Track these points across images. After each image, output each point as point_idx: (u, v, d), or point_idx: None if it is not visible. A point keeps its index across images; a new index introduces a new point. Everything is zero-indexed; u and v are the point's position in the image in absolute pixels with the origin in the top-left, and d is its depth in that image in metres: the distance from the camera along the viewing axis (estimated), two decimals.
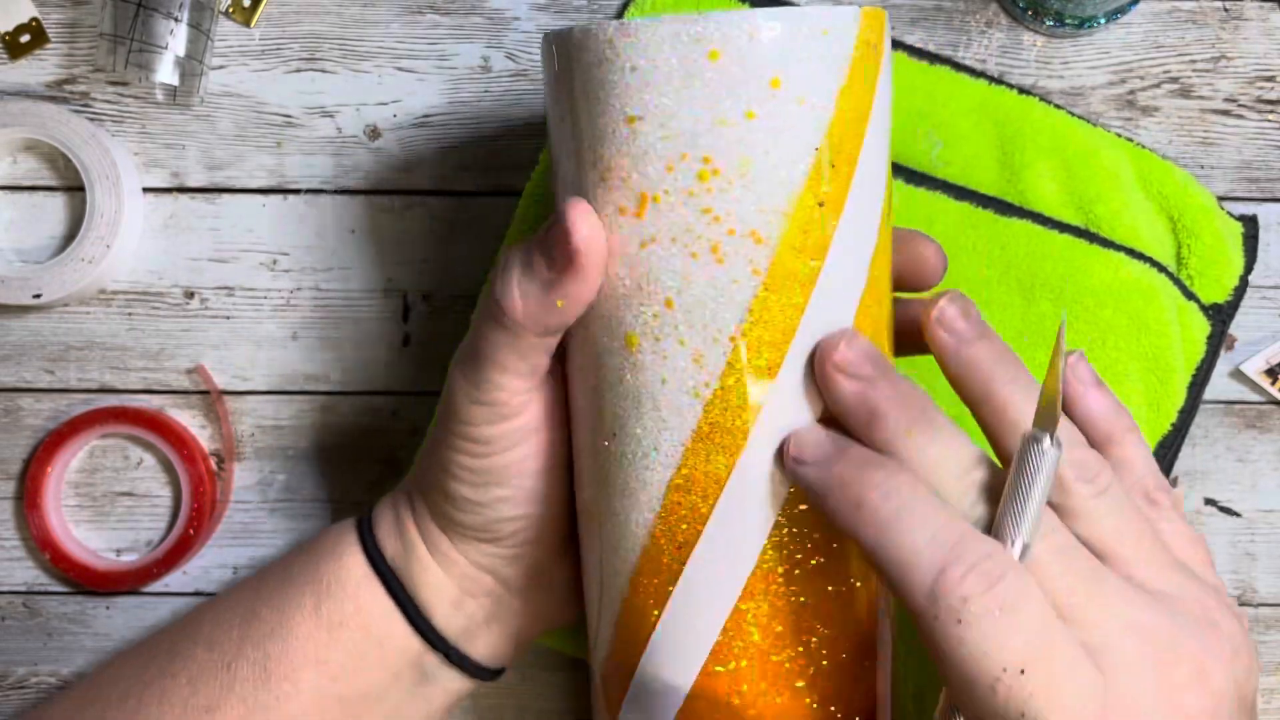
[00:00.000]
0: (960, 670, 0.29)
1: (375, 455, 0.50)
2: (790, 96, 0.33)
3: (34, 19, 0.49)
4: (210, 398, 0.50)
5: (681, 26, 0.32)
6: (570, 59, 0.34)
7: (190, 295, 0.49)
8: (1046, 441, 0.31)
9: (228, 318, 0.50)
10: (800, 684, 0.35)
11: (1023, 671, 0.29)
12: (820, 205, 0.33)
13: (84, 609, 0.51)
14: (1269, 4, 0.48)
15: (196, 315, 0.50)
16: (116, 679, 0.43)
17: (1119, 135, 0.47)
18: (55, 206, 0.49)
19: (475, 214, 0.49)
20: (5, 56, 0.49)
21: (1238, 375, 0.49)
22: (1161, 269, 0.46)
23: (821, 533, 0.34)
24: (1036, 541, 0.31)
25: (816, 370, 0.33)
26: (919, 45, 0.48)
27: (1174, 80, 0.48)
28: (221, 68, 0.49)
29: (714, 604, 0.35)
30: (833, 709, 0.35)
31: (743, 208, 0.33)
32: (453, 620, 0.41)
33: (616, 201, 0.34)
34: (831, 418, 0.34)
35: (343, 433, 0.50)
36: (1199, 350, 0.47)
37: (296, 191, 0.49)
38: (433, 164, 0.49)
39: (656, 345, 0.34)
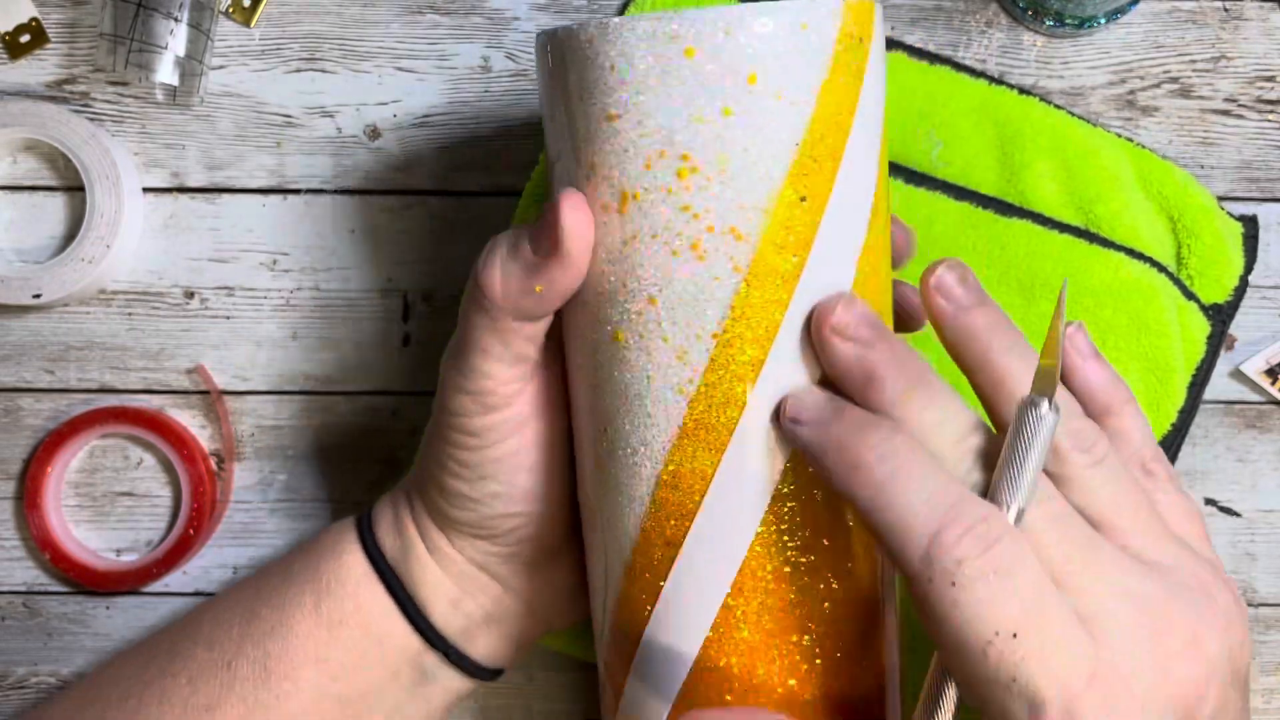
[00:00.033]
0: (953, 633, 0.29)
1: (375, 455, 0.50)
2: (768, 93, 0.32)
3: (34, 19, 0.49)
4: (210, 398, 0.50)
5: (657, 25, 0.32)
6: (557, 58, 0.34)
7: (190, 295, 0.49)
8: (1044, 406, 0.31)
9: (228, 318, 0.50)
10: (792, 681, 0.35)
11: (1015, 636, 0.29)
12: (802, 200, 0.33)
13: (84, 609, 0.51)
14: (1269, 4, 0.48)
15: (196, 315, 0.50)
16: (117, 679, 0.43)
17: (1119, 135, 0.47)
18: (55, 206, 0.49)
19: (475, 214, 0.49)
20: (5, 56, 0.49)
21: (1238, 375, 0.49)
22: (1161, 269, 0.46)
23: (811, 528, 0.34)
24: (1032, 508, 0.31)
25: (813, 333, 0.33)
26: (919, 45, 0.48)
27: (1174, 80, 0.48)
28: (221, 68, 0.49)
29: (702, 601, 0.35)
30: (830, 700, 0.35)
31: (722, 204, 0.33)
32: (451, 619, 0.41)
33: (601, 198, 0.34)
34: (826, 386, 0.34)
35: (343, 433, 0.50)
36: (1199, 350, 0.47)
37: (296, 191, 0.49)
38: (433, 164, 0.49)
39: (641, 342, 0.34)
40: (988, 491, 0.31)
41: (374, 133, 0.49)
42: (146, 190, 0.49)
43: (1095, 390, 0.36)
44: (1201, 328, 0.47)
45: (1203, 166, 0.48)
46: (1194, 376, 0.47)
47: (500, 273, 0.35)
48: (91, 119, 0.49)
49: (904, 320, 0.39)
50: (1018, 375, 0.33)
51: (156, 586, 0.50)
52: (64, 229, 0.49)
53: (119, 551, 0.51)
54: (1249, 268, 0.47)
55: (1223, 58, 0.48)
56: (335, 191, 0.49)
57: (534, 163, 0.48)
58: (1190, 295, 0.46)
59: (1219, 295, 0.47)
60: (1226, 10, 0.48)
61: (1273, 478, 0.50)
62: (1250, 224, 0.47)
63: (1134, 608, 0.30)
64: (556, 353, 0.38)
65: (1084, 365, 0.36)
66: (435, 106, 0.49)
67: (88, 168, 0.47)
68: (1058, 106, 0.47)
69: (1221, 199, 0.48)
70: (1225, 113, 0.48)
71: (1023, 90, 0.47)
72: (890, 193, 0.37)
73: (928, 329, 0.36)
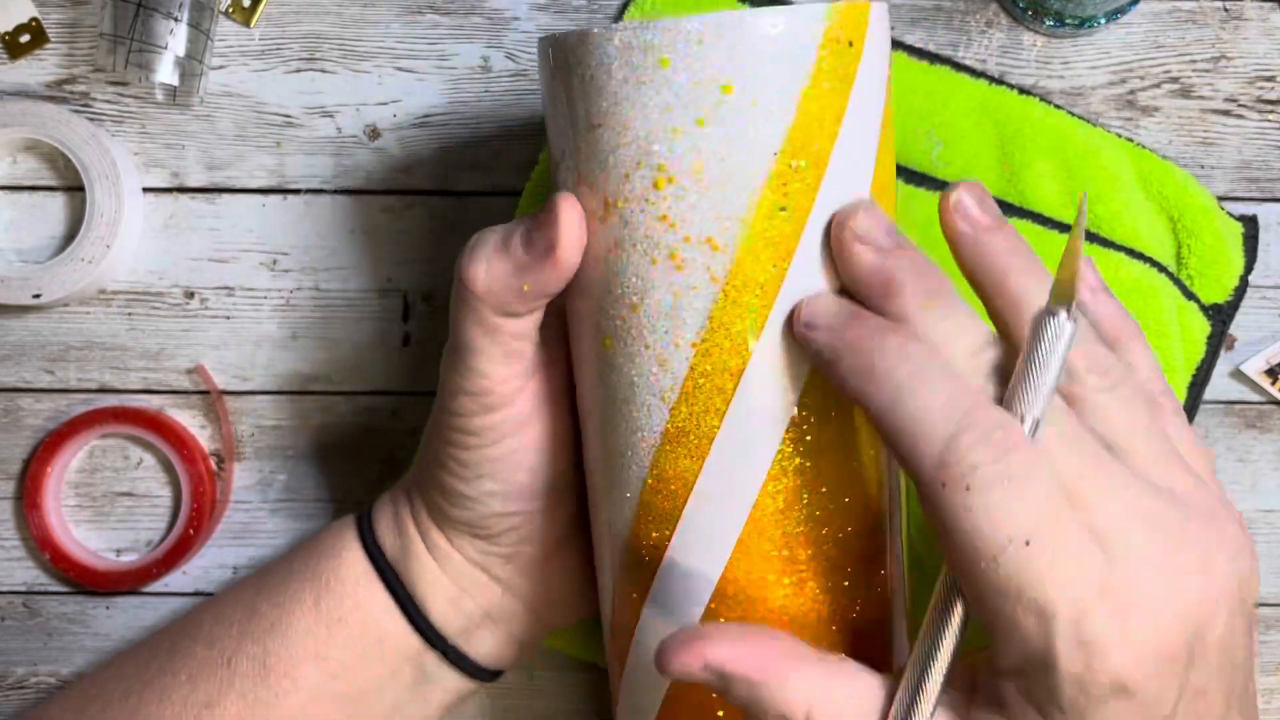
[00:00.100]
0: (964, 540, 0.29)
1: (375, 455, 0.50)
2: (744, 102, 0.32)
3: (34, 19, 0.49)
4: (210, 398, 0.50)
5: (633, 35, 0.32)
6: (551, 65, 0.35)
7: (190, 295, 0.49)
8: (1063, 315, 0.30)
9: (228, 318, 0.50)
10: (800, 608, 0.35)
11: (1027, 543, 0.28)
12: (782, 210, 0.33)
13: (84, 609, 0.51)
14: (1269, 4, 0.48)
15: (196, 315, 0.50)
16: (118, 677, 0.43)
17: (1119, 135, 0.47)
18: (55, 206, 0.49)
19: (475, 214, 0.49)
20: (5, 56, 0.49)
21: (1238, 375, 0.49)
22: (1161, 269, 0.46)
23: (786, 537, 0.34)
24: (1046, 425, 0.30)
25: (834, 237, 0.33)
26: (919, 45, 0.48)
27: (1174, 80, 0.48)
28: (221, 68, 0.49)
29: (687, 601, 0.35)
30: (839, 624, 0.35)
31: (699, 215, 0.33)
32: (450, 618, 0.41)
33: (588, 205, 0.34)
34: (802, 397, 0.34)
35: (343, 433, 0.50)
36: (1199, 350, 0.47)
37: (296, 191, 0.49)
38: (433, 164, 0.49)
39: (625, 349, 0.35)
40: (1003, 401, 0.30)
41: (374, 133, 0.49)
42: (146, 190, 0.49)
43: (1104, 323, 0.35)
44: (1201, 328, 0.47)
45: (1203, 166, 0.48)
46: (1194, 376, 0.47)
47: (486, 266, 0.35)
48: (91, 119, 0.49)
49: None
50: (1036, 297, 0.32)
51: (156, 586, 0.50)
52: (64, 229, 0.49)
53: (119, 551, 0.51)
54: (1249, 268, 0.47)
55: (1223, 58, 0.48)
56: (335, 191, 0.49)
57: (534, 163, 0.48)
58: (1190, 295, 0.47)
59: (1219, 295, 0.47)
60: (1226, 10, 0.48)
61: (1273, 478, 0.50)
62: (1250, 224, 0.47)
63: (1146, 526, 0.30)
64: (555, 352, 0.38)
65: (1093, 298, 0.35)
66: (435, 106, 0.49)
67: (88, 168, 0.47)
68: (1058, 106, 0.47)
69: (1221, 199, 0.48)
70: (1225, 113, 0.48)
71: (1023, 90, 0.47)
72: (894, 198, 0.37)
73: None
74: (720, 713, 0.36)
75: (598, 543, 0.38)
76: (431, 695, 0.42)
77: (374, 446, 0.50)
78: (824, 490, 0.34)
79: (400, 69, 0.49)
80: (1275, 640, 0.50)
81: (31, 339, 0.50)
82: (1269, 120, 0.48)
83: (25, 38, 0.48)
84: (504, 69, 0.49)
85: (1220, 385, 0.49)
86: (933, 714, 0.31)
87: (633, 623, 0.37)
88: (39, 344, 0.50)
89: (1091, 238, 0.46)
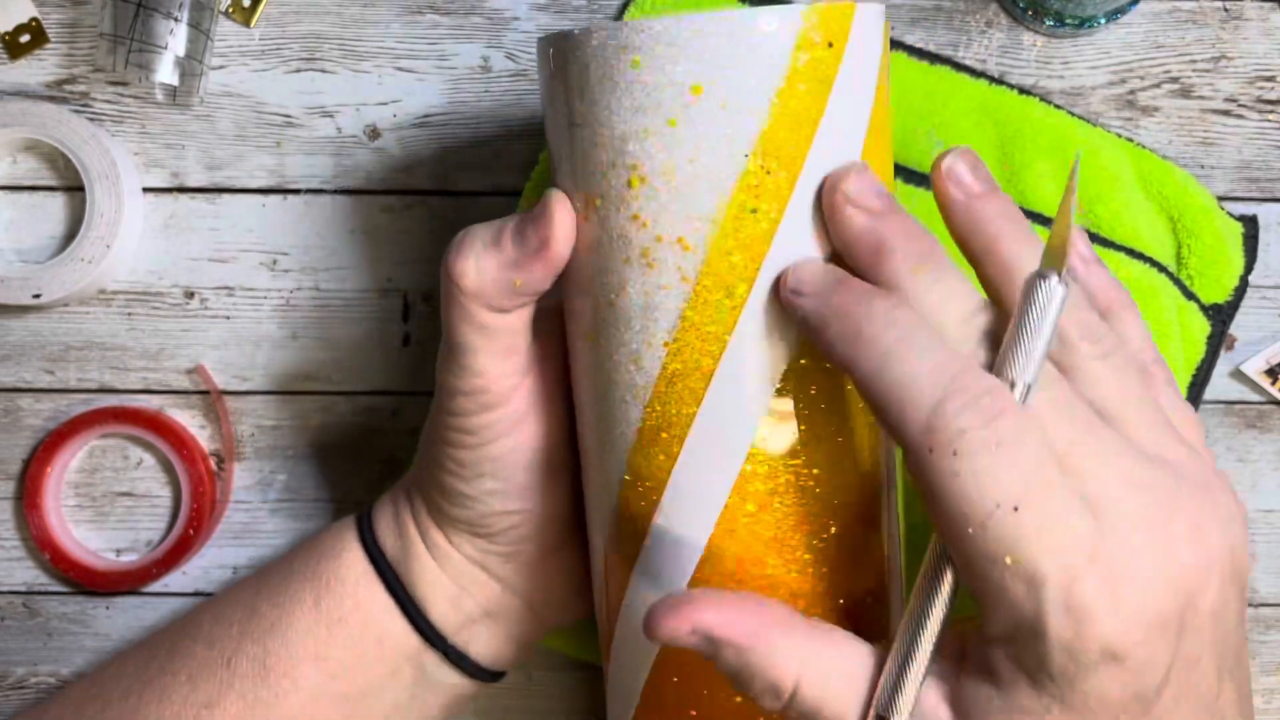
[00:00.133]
0: (951, 506, 0.29)
1: (375, 455, 0.50)
2: (714, 103, 0.32)
3: (34, 19, 0.49)
4: (210, 398, 0.50)
5: (608, 36, 0.33)
6: (544, 65, 0.35)
7: (190, 295, 0.49)
8: (1055, 279, 0.30)
9: (228, 318, 0.50)
10: (795, 578, 0.35)
11: (1016, 509, 0.28)
12: (754, 212, 0.33)
13: (84, 609, 0.51)
14: (1269, 4, 0.48)
15: (196, 315, 0.50)
16: (118, 676, 0.43)
17: (1119, 135, 0.47)
18: (55, 206, 0.49)
19: (475, 214, 0.49)
20: (5, 56, 0.49)
21: (1238, 375, 0.49)
22: (1161, 269, 0.46)
23: (760, 530, 0.35)
24: (1037, 391, 0.30)
25: (825, 200, 0.33)
26: (919, 45, 0.48)
27: (1174, 80, 0.48)
28: (221, 68, 0.49)
29: (679, 567, 0.35)
30: (833, 594, 0.35)
31: (670, 214, 0.33)
32: (450, 618, 0.41)
33: (574, 203, 0.35)
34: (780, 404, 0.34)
35: (343, 433, 0.50)
36: (1199, 350, 0.47)
37: (296, 191, 0.49)
38: (433, 164, 0.49)
39: (604, 346, 0.35)
40: (994, 366, 0.30)
41: (374, 133, 0.49)
42: (146, 190, 0.49)
43: (1096, 293, 0.35)
44: (1201, 328, 0.47)
45: (1203, 166, 0.48)
46: (1194, 376, 0.47)
47: (475, 263, 0.36)
48: (91, 119, 0.49)
49: None
50: (1027, 263, 0.32)
51: (156, 586, 0.50)
52: (64, 229, 0.49)
53: (119, 551, 0.51)
54: (1249, 268, 0.47)
55: (1223, 58, 0.48)
56: (335, 191, 0.49)
57: (534, 163, 0.48)
58: (1190, 295, 0.47)
59: (1219, 295, 0.47)
60: (1226, 10, 0.48)
61: (1273, 478, 0.50)
62: (1250, 224, 0.48)
63: (1138, 493, 0.29)
64: (549, 349, 0.39)
65: (1085, 269, 0.35)
66: (435, 106, 0.49)
67: (88, 168, 0.47)
68: (1058, 106, 0.47)
69: (1221, 199, 0.48)
70: (1225, 113, 0.48)
71: (1023, 90, 0.47)
72: None
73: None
74: (705, 691, 0.35)
75: (589, 534, 0.39)
76: (432, 695, 0.42)
77: (374, 446, 0.50)
78: (806, 478, 0.34)
79: (400, 69, 0.49)
80: (1275, 640, 0.50)
81: (31, 339, 0.50)
82: (1269, 120, 0.48)
83: (25, 38, 0.48)
84: (504, 69, 0.49)
85: (1220, 385, 0.49)
86: (922, 683, 0.30)
87: (612, 625, 0.37)
88: (39, 344, 0.50)
89: (1092, 237, 0.46)
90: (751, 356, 0.34)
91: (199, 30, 0.47)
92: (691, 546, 0.35)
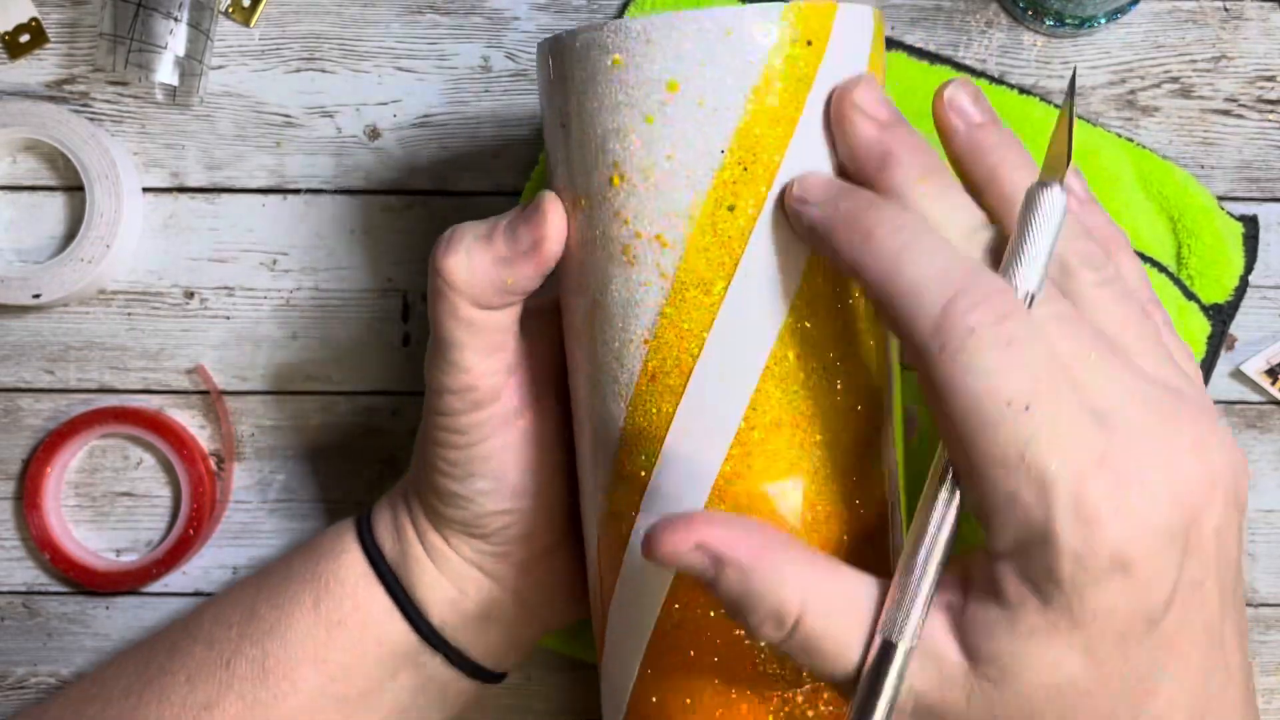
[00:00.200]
0: (961, 405, 0.28)
1: (375, 455, 0.50)
2: (690, 101, 0.33)
3: (34, 19, 0.49)
4: (210, 398, 0.50)
5: (590, 36, 0.33)
6: (540, 69, 0.36)
7: (190, 295, 0.49)
8: (1056, 187, 0.30)
9: (228, 318, 0.50)
10: (800, 515, 0.35)
11: (1028, 408, 0.28)
12: (731, 209, 0.33)
13: (84, 609, 0.51)
14: (1269, 4, 0.48)
15: (196, 315, 0.50)
16: (119, 675, 0.43)
17: (1119, 135, 0.47)
18: (55, 206, 0.49)
19: (475, 214, 0.49)
20: (5, 56, 0.49)
21: (1238, 375, 0.49)
22: (1161, 269, 0.46)
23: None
24: (1039, 306, 0.29)
25: (834, 109, 0.33)
26: (919, 45, 0.48)
27: (1174, 80, 0.48)
28: (221, 68, 0.49)
29: (645, 604, 0.35)
30: (836, 522, 0.35)
31: (649, 211, 0.33)
32: (449, 618, 0.41)
33: (565, 203, 0.35)
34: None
35: (343, 433, 0.50)
36: (1199, 350, 0.47)
37: (296, 191, 0.49)
38: (433, 164, 0.49)
39: (593, 343, 0.35)
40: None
41: (374, 133, 0.49)
42: (146, 190, 0.49)
43: (1093, 230, 0.34)
44: (1202, 328, 0.47)
45: (1203, 166, 0.48)
46: None
47: (466, 259, 0.36)
48: (91, 119, 0.49)
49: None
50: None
51: (156, 587, 0.50)
52: (64, 229, 0.49)
53: (119, 551, 0.51)
54: (1249, 268, 0.47)
55: (1223, 58, 0.48)
56: (335, 191, 0.49)
57: (534, 163, 0.48)
58: (1190, 295, 0.46)
59: (1219, 295, 0.47)
60: (1227, 10, 0.48)
61: (1273, 478, 0.50)
62: (1250, 224, 0.47)
63: (1143, 406, 0.29)
64: (538, 348, 0.39)
65: (1081, 209, 0.35)
66: (435, 106, 0.49)
67: (87, 168, 0.47)
68: (1058, 106, 0.47)
69: (1221, 199, 0.48)
70: (1225, 113, 0.48)
71: (1023, 90, 0.47)
72: None
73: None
74: (715, 657, 0.35)
75: (584, 533, 0.39)
76: (432, 697, 0.42)
77: (374, 446, 0.50)
78: (787, 463, 0.34)
79: (400, 69, 0.49)
80: (1275, 640, 0.50)
81: (31, 339, 0.50)
82: (1269, 120, 0.48)
83: (25, 38, 0.48)
84: (504, 69, 0.49)
85: (1220, 385, 0.49)
86: (928, 606, 0.30)
87: (602, 629, 0.37)
88: (39, 344, 0.50)
89: None
90: (730, 353, 0.34)
91: (199, 30, 0.47)
92: (663, 576, 0.35)
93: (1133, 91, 0.48)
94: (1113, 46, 0.48)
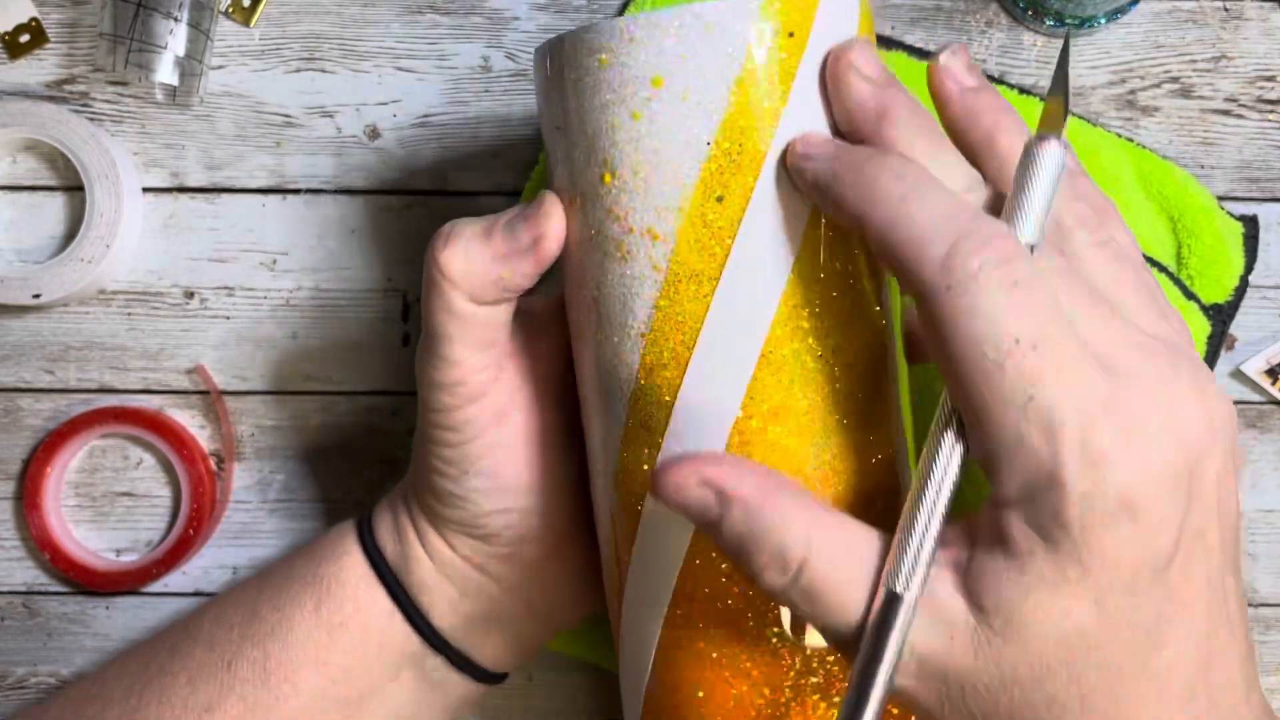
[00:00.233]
0: (969, 345, 0.28)
1: (375, 455, 0.50)
2: (674, 95, 0.33)
3: (34, 19, 0.48)
4: (210, 398, 0.50)
5: (578, 37, 0.34)
6: (537, 73, 0.36)
7: (190, 295, 0.49)
8: (1054, 141, 0.30)
9: (228, 318, 0.50)
10: (811, 471, 0.35)
11: (1035, 347, 0.28)
12: (719, 200, 0.33)
13: (84, 609, 0.51)
14: (1269, 4, 0.48)
15: (196, 315, 0.49)
16: (119, 676, 0.43)
17: (1119, 135, 0.47)
18: (55, 206, 0.49)
19: (475, 214, 0.49)
20: (5, 56, 0.49)
21: (1238, 375, 0.49)
22: (1162, 269, 0.46)
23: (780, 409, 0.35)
24: (1038, 259, 0.29)
25: (829, 71, 0.33)
26: (919, 45, 0.48)
27: (1174, 80, 0.48)
28: (221, 68, 0.49)
29: (652, 608, 0.36)
30: (845, 475, 0.35)
31: (639, 206, 0.34)
32: (451, 620, 0.41)
33: (563, 202, 0.36)
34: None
35: (342, 433, 0.50)
36: (1199, 350, 0.47)
37: (296, 191, 0.49)
38: (433, 164, 0.49)
39: (592, 339, 0.36)
40: None
41: (374, 133, 0.49)
42: (146, 190, 0.49)
43: (1083, 198, 0.34)
44: (1202, 328, 0.47)
45: (1203, 166, 0.48)
46: None
47: (463, 251, 0.36)
48: (91, 119, 0.49)
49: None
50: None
51: (156, 587, 0.50)
52: (64, 229, 0.49)
53: (119, 551, 0.51)
54: (1249, 268, 0.47)
55: (1223, 58, 0.48)
56: (335, 191, 0.49)
57: (534, 163, 0.48)
58: (1190, 295, 0.47)
59: (1219, 295, 0.47)
60: (1227, 10, 0.48)
61: (1273, 478, 0.50)
62: (1250, 224, 0.48)
63: (1144, 355, 0.29)
64: (533, 345, 0.39)
65: (1073, 178, 0.35)
66: (435, 106, 0.49)
67: (87, 168, 0.47)
68: None
69: (1221, 199, 0.48)
70: (1225, 113, 0.48)
71: (1023, 90, 0.47)
72: None
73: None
74: (730, 601, 0.35)
75: (597, 526, 0.39)
76: (433, 699, 0.42)
77: (374, 446, 0.50)
78: (786, 451, 0.34)
79: (400, 69, 0.49)
80: (1275, 640, 0.50)
81: (31, 339, 0.50)
82: (1269, 120, 0.48)
83: (25, 38, 0.48)
84: (504, 69, 0.49)
85: (1220, 385, 0.49)
86: (932, 556, 0.29)
87: (617, 595, 0.37)
88: (39, 344, 0.50)
89: None
90: (725, 343, 0.34)
91: (199, 30, 0.47)
92: (677, 546, 0.35)
93: (1133, 91, 0.48)
94: (1113, 46, 0.48)
